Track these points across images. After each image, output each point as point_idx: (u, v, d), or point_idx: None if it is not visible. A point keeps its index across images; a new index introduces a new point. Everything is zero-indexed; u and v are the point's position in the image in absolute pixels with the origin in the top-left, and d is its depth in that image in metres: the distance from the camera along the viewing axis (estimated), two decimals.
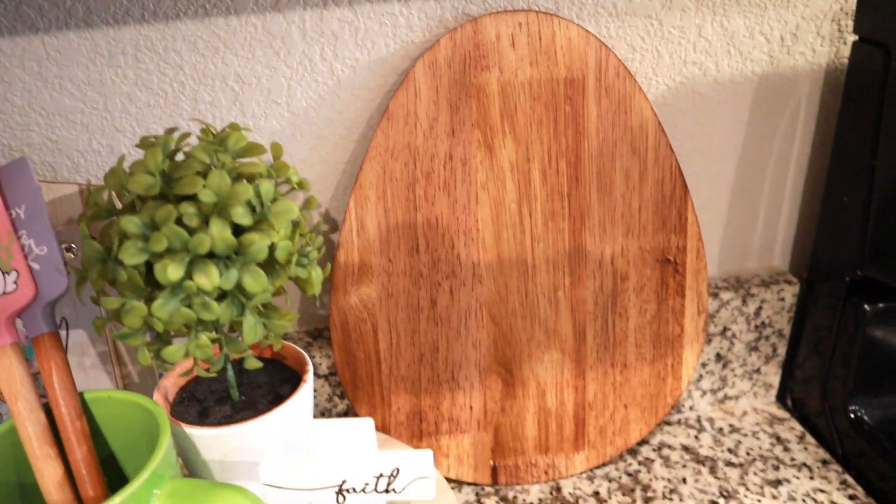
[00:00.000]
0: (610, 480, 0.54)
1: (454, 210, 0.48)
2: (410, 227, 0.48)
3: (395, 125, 0.47)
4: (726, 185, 0.56)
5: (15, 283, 0.37)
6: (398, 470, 0.35)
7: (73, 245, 0.44)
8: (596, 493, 0.53)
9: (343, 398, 0.54)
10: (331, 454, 0.35)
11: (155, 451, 0.35)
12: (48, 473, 0.36)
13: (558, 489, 0.53)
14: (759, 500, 0.52)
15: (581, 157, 0.49)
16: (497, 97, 0.47)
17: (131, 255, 0.33)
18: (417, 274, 0.49)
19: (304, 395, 0.41)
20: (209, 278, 0.33)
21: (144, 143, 0.36)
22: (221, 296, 0.36)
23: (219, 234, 0.33)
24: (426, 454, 0.35)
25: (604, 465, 0.55)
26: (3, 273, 0.37)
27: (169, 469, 0.35)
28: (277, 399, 0.41)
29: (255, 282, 0.35)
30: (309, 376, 0.42)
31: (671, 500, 0.52)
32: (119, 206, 0.38)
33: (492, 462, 0.53)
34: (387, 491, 0.35)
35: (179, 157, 0.37)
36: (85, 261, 0.35)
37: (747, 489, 0.53)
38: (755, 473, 0.54)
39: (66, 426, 0.37)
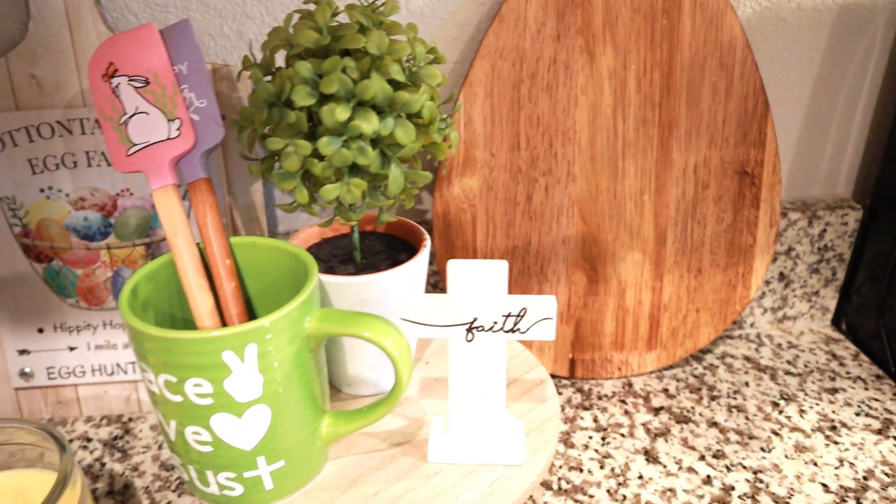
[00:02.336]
0: (678, 380, 0.58)
1: (554, 111, 0.52)
2: (513, 125, 0.52)
3: (505, 27, 0.50)
4: (799, 111, 0.59)
5: (178, 130, 0.40)
6: (525, 310, 0.38)
7: None
8: (665, 390, 0.57)
9: (436, 288, 0.58)
10: (466, 293, 0.38)
11: (307, 281, 0.38)
12: (202, 303, 0.40)
13: (630, 385, 0.57)
14: (817, 403, 0.56)
15: (674, 69, 0.52)
16: (600, 6, 0.51)
17: (302, 97, 0.37)
18: (517, 169, 0.52)
19: (424, 258, 0.45)
20: (370, 122, 0.37)
21: (304, 8, 0.40)
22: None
23: (379, 84, 0.37)
24: (550, 298, 0.38)
25: (671, 367, 0.59)
26: (169, 121, 0.40)
27: (316, 302, 0.39)
28: (396, 263, 0.45)
29: (405, 134, 0.38)
30: (428, 242, 0.45)
31: (735, 399, 0.56)
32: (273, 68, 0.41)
33: (571, 355, 0.57)
34: (512, 330, 0.39)
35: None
36: (253, 103, 0.39)
37: (806, 394, 0.57)
38: (813, 382, 0.58)
39: (217, 263, 0.41)
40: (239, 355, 0.35)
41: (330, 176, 0.39)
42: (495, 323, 0.39)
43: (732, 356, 0.61)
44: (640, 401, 0.55)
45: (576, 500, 0.47)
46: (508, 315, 0.38)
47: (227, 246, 0.41)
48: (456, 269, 0.38)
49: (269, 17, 0.50)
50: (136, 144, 0.40)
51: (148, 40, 0.41)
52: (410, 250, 0.47)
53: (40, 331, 0.53)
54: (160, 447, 0.52)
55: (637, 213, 0.54)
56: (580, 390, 0.56)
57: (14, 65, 0.47)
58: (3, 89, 0.48)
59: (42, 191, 0.50)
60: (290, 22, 0.39)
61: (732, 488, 0.48)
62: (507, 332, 0.39)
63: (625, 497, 0.47)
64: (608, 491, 0.48)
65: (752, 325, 0.64)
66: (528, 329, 0.39)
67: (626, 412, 0.54)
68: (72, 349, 0.53)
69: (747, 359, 0.61)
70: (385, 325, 0.38)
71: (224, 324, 0.41)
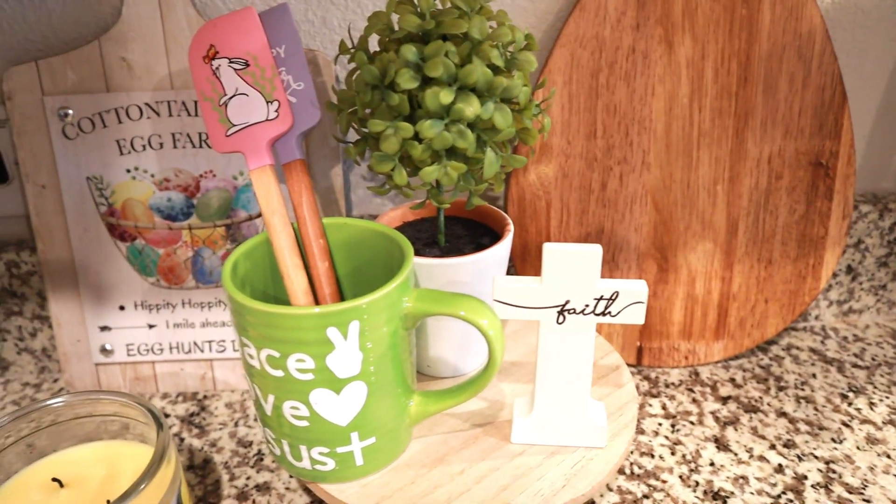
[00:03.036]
0: (744, 370, 0.58)
1: (631, 100, 0.52)
2: (590, 113, 0.52)
3: (586, 16, 0.50)
4: (873, 103, 0.59)
5: (276, 112, 0.41)
6: (617, 294, 0.39)
7: None
8: (732, 380, 0.57)
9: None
10: (560, 275, 0.39)
11: (405, 261, 0.39)
12: (297, 281, 0.41)
13: (696, 374, 0.57)
14: (887, 396, 0.56)
15: (751, 59, 0.52)
16: None
17: (407, 80, 0.37)
18: (592, 157, 0.53)
19: (508, 242, 0.45)
20: (472, 106, 0.37)
21: None
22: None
23: (481, 68, 0.38)
24: (642, 283, 0.39)
25: (737, 357, 0.59)
26: (268, 102, 0.41)
27: (412, 282, 0.40)
28: (480, 247, 0.46)
29: (503, 118, 0.39)
30: (511, 227, 0.46)
31: (803, 390, 0.56)
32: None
33: (638, 343, 0.57)
34: (603, 314, 0.39)
35: None
36: (353, 86, 0.39)
37: (875, 387, 0.57)
38: (882, 375, 0.58)
39: (311, 243, 0.42)
40: (342, 332, 0.36)
41: (426, 159, 0.40)
42: (587, 306, 0.39)
43: (798, 348, 0.61)
44: (708, 389, 0.56)
45: (649, 485, 0.47)
46: (600, 298, 0.39)
47: (321, 226, 0.42)
48: (551, 252, 0.38)
49: (352, 3, 0.51)
50: (235, 125, 0.41)
51: (247, 23, 0.42)
52: (492, 235, 0.47)
53: (121, 308, 0.54)
54: (236, 424, 0.53)
55: (710, 202, 0.54)
56: (647, 378, 0.57)
57: (106, 48, 0.49)
58: (94, 72, 0.49)
59: (128, 171, 0.51)
60: (392, 7, 0.40)
61: (805, 477, 0.48)
62: (598, 315, 0.39)
63: (697, 483, 0.48)
64: (680, 477, 0.48)
65: (816, 317, 0.64)
66: (618, 313, 0.39)
67: (694, 400, 0.55)
68: (151, 327, 0.55)
69: (813, 351, 0.61)
70: (480, 306, 0.38)
71: (317, 302, 0.42)
